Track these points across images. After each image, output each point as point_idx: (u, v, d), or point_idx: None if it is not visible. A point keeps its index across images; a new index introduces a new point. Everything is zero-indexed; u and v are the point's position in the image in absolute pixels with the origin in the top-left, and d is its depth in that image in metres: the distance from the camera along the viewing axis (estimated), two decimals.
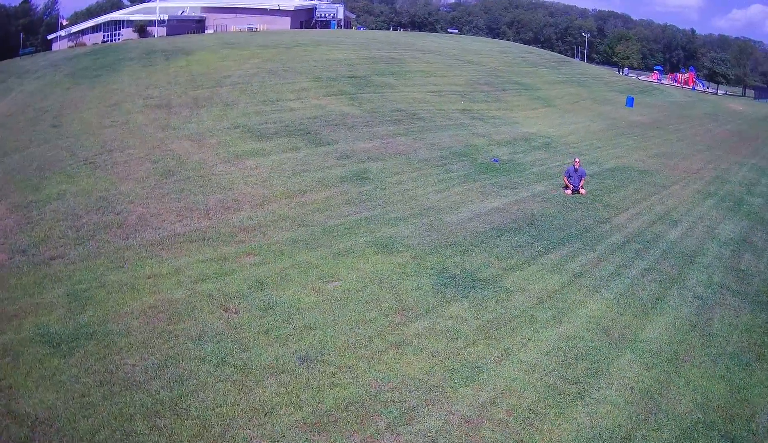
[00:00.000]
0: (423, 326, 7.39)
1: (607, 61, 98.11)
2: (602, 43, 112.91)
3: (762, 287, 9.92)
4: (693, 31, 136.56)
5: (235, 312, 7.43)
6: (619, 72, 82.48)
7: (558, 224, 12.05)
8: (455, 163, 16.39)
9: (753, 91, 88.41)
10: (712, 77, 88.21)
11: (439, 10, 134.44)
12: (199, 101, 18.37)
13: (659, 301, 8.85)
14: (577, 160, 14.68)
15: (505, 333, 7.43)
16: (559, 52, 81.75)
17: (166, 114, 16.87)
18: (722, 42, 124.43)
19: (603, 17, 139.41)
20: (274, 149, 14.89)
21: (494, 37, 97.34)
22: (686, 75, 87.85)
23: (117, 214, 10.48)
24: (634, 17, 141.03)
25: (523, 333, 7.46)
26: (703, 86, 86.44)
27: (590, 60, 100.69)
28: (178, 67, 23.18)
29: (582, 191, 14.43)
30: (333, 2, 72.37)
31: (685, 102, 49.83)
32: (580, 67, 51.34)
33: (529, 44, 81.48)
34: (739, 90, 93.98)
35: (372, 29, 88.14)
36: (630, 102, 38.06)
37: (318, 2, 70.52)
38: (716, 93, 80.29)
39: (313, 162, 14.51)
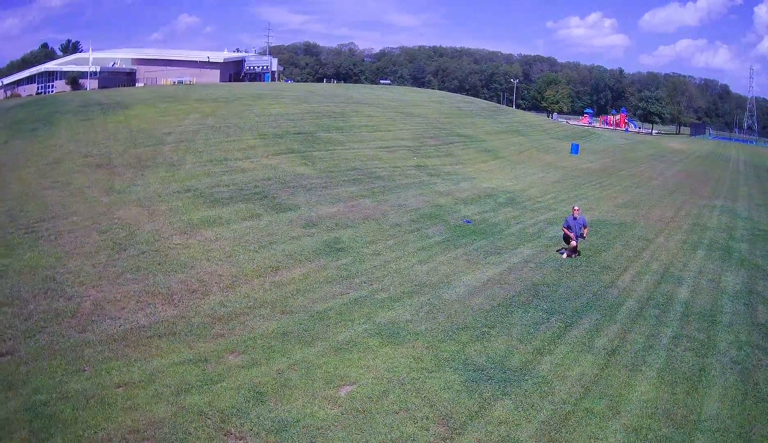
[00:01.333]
0: (474, 439, 6.81)
1: (535, 107, 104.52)
2: (528, 89, 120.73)
3: None
4: (621, 70, 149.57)
5: (240, 438, 6.51)
6: (549, 117, 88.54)
7: (565, 293, 12.18)
8: (429, 226, 16.59)
9: (689, 129, 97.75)
10: (647, 117, 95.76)
11: (363, 60, 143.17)
12: (142, 160, 18.20)
13: (702, 372, 8.99)
14: (576, 208, 15.09)
15: (568, 435, 7.03)
16: (486, 99, 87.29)
17: (109, 175, 16.65)
18: (651, 79, 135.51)
19: (529, 62, 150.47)
20: (232, 216, 14.61)
21: (419, 87, 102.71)
22: (617, 117, 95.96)
23: (68, 299, 9.84)
24: (560, 60, 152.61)
25: (587, 432, 7.11)
26: (635, 127, 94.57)
27: (517, 106, 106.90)
28: (116, 121, 23.28)
29: (585, 235, 14.67)
30: (261, 55, 77.12)
31: (625, 145, 54.30)
32: (515, 115, 55.38)
33: (454, 92, 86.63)
34: (673, 128, 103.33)
35: (298, 81, 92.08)
36: (575, 149, 40.96)
37: (246, 55, 75.35)
38: (651, 133, 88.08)
39: (279, 231, 14.22)
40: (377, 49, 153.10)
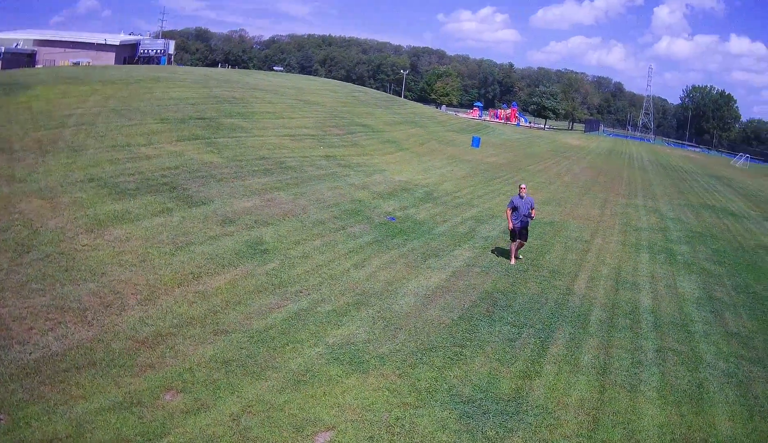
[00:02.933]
0: None
1: (424, 99, 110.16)
2: (415, 80, 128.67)
3: (764, 346, 11.22)
4: (511, 65, 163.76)
5: None
6: (438, 108, 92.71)
7: (525, 302, 12.09)
8: (353, 224, 16.31)
9: (582, 125, 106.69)
10: (540, 112, 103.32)
11: (252, 47, 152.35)
12: (43, 145, 17.54)
13: (701, 389, 9.16)
14: (522, 187, 15.09)
15: None
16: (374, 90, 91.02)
17: (9, 161, 15.70)
18: (542, 74, 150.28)
19: (417, 53, 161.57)
20: (141, 211, 13.69)
21: (307, 75, 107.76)
22: (508, 111, 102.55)
23: None
24: (450, 53, 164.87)
25: None
26: (526, 122, 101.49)
27: (405, 98, 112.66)
28: (18, 102, 22.79)
29: (533, 216, 14.92)
30: (155, 38, 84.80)
31: (521, 139, 57.86)
32: (409, 106, 58.29)
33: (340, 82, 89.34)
34: (565, 124, 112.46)
35: (188, 66, 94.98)
36: (476, 143, 43.23)
37: (141, 38, 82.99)
38: (544, 128, 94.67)
39: (194, 230, 13.26)
40: (267, 36, 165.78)
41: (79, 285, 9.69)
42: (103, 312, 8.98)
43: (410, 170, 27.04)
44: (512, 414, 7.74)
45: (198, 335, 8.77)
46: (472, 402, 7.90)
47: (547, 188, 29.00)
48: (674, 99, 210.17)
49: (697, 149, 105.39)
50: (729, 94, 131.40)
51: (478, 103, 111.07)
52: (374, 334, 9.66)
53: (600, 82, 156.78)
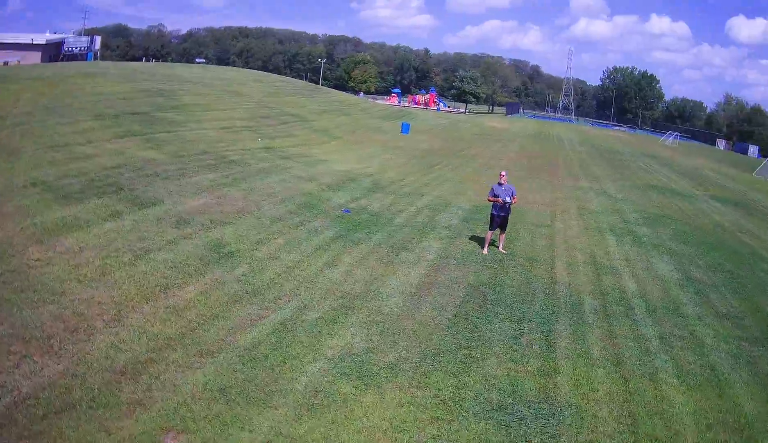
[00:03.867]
0: None
1: (341, 87, 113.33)
2: (331, 69, 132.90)
3: (756, 325, 11.94)
4: (426, 50, 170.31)
5: None
6: (357, 96, 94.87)
7: (513, 294, 12.15)
8: (311, 219, 16.10)
9: (503, 108, 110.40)
10: (461, 96, 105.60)
11: (171, 41, 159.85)
12: None
13: (715, 372, 9.59)
14: (502, 174, 15.16)
15: None
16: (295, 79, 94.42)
17: None
18: (458, 59, 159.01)
19: (333, 42, 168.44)
20: (90, 216, 12.96)
21: (225, 66, 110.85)
22: (426, 96, 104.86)
23: None
24: (366, 40, 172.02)
25: None
26: (445, 106, 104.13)
27: (322, 86, 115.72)
28: None
29: (514, 202, 15.09)
30: (78, 35, 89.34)
31: (446, 124, 59.48)
32: (331, 94, 60.56)
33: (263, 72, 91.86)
34: (485, 108, 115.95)
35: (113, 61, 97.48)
36: (406, 129, 43.87)
37: (65, 36, 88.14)
38: (465, 112, 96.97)
39: (149, 234, 12.55)
40: (185, 30, 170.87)
41: (38, 308, 8.75)
42: (69, 339, 8.07)
43: (350, 159, 27.45)
44: (548, 416, 7.64)
45: (181, 359, 8.02)
46: (504, 409, 7.75)
47: (487, 172, 29.55)
48: (592, 80, 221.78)
49: (622, 129, 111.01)
50: (652, 74, 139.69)
51: (396, 90, 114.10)
52: (373, 341, 9.28)
53: (517, 66, 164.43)
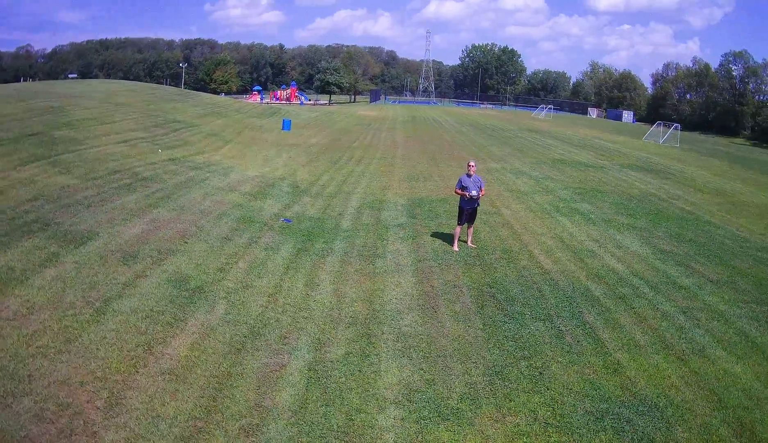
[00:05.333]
0: None
1: (203, 89, 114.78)
2: (189, 73, 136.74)
3: (752, 288, 12.63)
4: (281, 46, 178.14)
5: None
6: (220, 96, 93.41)
7: (519, 292, 11.85)
8: (259, 234, 15.10)
9: (364, 96, 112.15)
10: (325, 88, 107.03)
11: (37, 61, 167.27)
12: None
13: (748, 338, 10.11)
14: (471, 164, 14.73)
15: None
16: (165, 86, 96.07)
17: None
18: (313, 52, 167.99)
19: (190, 46, 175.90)
20: (25, 264, 10.91)
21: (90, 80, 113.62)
22: (288, 91, 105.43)
23: None
24: (221, 41, 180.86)
25: None
26: (306, 99, 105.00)
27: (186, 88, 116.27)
28: None
29: (482, 194, 14.70)
30: None
31: (320, 117, 59.84)
32: (201, 97, 58.61)
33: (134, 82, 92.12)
34: (346, 98, 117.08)
35: None
36: (287, 125, 44.45)
37: None
38: (329, 104, 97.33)
39: (100, 278, 10.79)
40: (50, 48, 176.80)
41: (12, 407, 6.94)
42: None
43: (254, 163, 26.58)
44: (648, 412, 7.68)
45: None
46: (608, 415, 7.58)
47: (393, 162, 29.66)
48: (449, 61, 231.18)
49: (489, 106, 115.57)
50: (512, 49, 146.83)
51: (258, 87, 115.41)
52: (426, 372, 8.56)
53: (372, 53, 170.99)
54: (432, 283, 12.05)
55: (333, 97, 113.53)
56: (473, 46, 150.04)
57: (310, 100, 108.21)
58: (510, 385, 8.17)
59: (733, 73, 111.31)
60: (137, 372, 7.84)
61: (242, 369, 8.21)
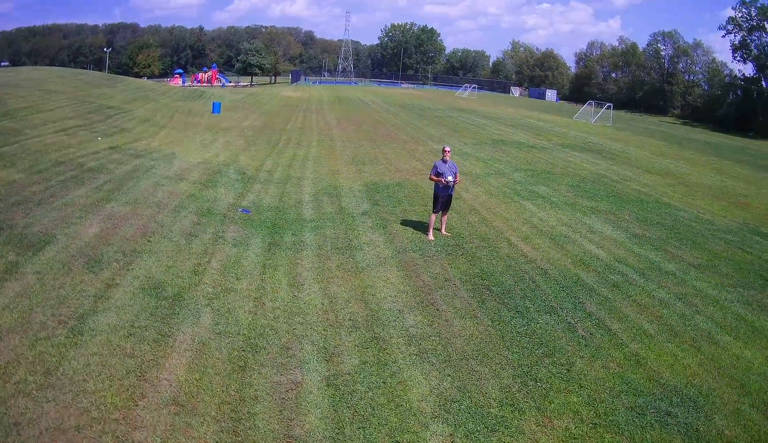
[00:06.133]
0: None
1: (127, 73, 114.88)
2: (112, 57, 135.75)
3: (732, 271, 12.83)
4: (201, 28, 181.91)
5: None
6: (144, 79, 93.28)
7: (513, 285, 11.58)
8: (221, 228, 14.21)
9: (284, 77, 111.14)
10: (247, 70, 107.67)
11: None
12: None
13: (746, 321, 10.42)
14: (446, 149, 14.22)
15: None
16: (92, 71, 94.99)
17: None
18: (232, 33, 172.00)
19: (113, 30, 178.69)
20: None
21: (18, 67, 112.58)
22: (209, 73, 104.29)
23: None
24: (142, 25, 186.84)
25: None
26: (227, 82, 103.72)
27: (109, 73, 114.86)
28: None
29: (457, 181, 14.36)
30: None
31: (246, 99, 58.93)
32: (128, 82, 57.60)
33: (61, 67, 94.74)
34: (266, 79, 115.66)
35: None
36: (217, 108, 44.01)
37: None
38: (250, 85, 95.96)
39: (67, 291, 9.61)
40: None
41: None
42: None
43: (193, 148, 25.63)
44: (684, 404, 7.68)
45: None
46: (648, 409, 7.54)
47: (333, 145, 29.32)
48: (367, 41, 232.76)
49: (411, 86, 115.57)
50: (432, 28, 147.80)
51: (179, 70, 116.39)
52: (455, 378, 8.07)
53: (290, 33, 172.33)
54: (421, 277, 11.58)
55: (254, 78, 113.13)
56: (392, 26, 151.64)
57: (231, 82, 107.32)
58: (543, 386, 7.90)
59: (662, 53, 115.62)
60: (137, 405, 6.87)
61: (254, 391, 7.43)
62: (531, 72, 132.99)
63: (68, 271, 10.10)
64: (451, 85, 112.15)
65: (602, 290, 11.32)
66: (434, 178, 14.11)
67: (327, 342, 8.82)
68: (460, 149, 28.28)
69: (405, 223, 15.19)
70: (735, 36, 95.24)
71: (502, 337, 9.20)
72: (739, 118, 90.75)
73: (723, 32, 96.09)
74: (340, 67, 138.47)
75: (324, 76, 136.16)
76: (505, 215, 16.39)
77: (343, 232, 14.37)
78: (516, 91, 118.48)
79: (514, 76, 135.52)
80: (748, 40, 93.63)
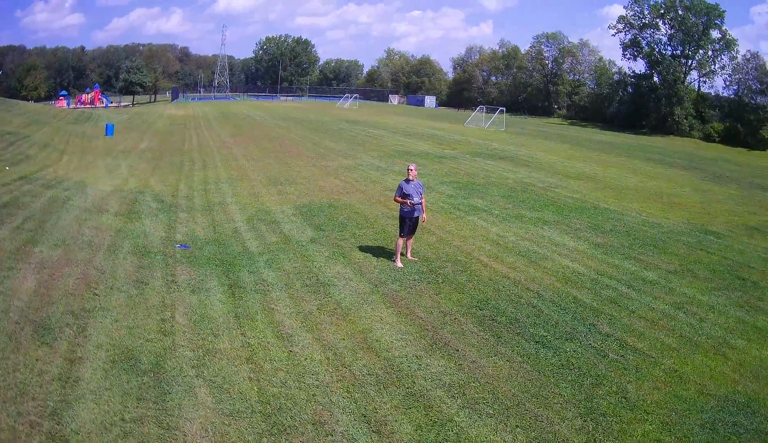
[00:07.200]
0: None
1: (15, 96, 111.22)
2: (3, 80, 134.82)
3: (711, 275, 13.14)
4: (82, 48, 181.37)
5: None
6: (31, 103, 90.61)
7: (515, 310, 11.17)
8: (170, 272, 12.79)
9: (167, 94, 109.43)
10: (129, 88, 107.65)
11: None
12: None
13: (749, 325, 10.76)
14: (411, 168, 13.62)
15: None
16: None
17: None
18: (112, 52, 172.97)
19: (2, 53, 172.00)
20: None
21: None
22: (91, 94, 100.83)
23: None
24: (29, 47, 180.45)
25: None
26: (109, 102, 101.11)
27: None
28: None
29: (423, 202, 13.69)
30: None
31: (133, 120, 57.97)
32: (21, 106, 56.05)
33: None
34: (147, 98, 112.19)
35: None
36: (110, 130, 42.95)
37: None
38: (132, 105, 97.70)
39: (25, 374, 8.04)
40: None
41: None
42: None
43: (100, 175, 24.67)
44: (745, 413, 7.77)
45: None
46: (717, 423, 7.57)
47: (242, 166, 28.01)
48: (241, 55, 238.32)
49: (290, 98, 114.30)
50: (306, 39, 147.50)
51: (64, 92, 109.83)
52: (522, 428, 7.40)
53: (168, 50, 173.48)
54: (416, 313, 10.78)
55: (135, 97, 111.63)
56: (267, 39, 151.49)
57: (112, 102, 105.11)
58: (614, 420, 7.52)
59: (545, 55, 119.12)
60: None
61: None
62: (407, 79, 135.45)
63: (18, 347, 8.38)
64: (328, 96, 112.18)
65: (603, 308, 11.17)
66: (399, 199, 13.38)
67: (360, 406, 7.74)
68: (372, 163, 27.83)
69: (364, 249, 14.39)
70: (626, 34, 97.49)
71: (540, 372, 8.65)
72: (631, 114, 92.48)
73: (600, 31, 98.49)
74: (216, 82, 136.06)
75: (200, 92, 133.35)
76: (460, 233, 15.98)
77: (302, 265, 13.24)
78: (394, 100, 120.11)
79: (390, 83, 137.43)
80: (640, 38, 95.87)
